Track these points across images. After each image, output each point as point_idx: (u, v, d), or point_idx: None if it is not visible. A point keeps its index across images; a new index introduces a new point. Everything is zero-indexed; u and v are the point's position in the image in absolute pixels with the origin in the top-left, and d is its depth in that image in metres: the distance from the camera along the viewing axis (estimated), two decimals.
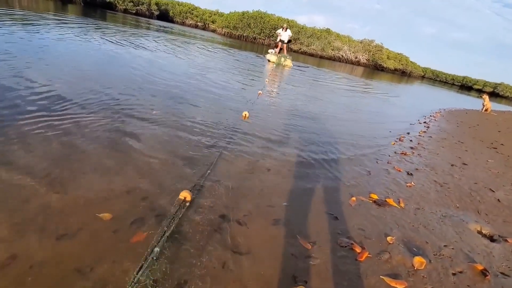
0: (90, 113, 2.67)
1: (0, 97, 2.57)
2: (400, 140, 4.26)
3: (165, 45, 9.72)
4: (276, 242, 1.54)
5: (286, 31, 14.34)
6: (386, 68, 39.05)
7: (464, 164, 3.60)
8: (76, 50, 5.55)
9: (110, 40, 7.66)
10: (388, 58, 39.79)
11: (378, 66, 38.82)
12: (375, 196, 2.27)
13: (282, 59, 13.50)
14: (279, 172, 2.36)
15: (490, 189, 2.90)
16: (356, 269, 1.46)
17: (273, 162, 2.52)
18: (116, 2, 31.12)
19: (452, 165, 3.49)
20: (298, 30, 34.55)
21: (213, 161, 2.25)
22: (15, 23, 7.15)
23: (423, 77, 50.64)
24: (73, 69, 4.11)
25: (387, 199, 2.26)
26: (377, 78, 22.82)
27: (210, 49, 12.40)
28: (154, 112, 3.09)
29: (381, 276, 1.43)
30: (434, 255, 1.69)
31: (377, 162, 3.11)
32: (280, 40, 14.31)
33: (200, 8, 40.22)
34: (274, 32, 31.89)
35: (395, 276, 1.45)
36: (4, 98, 2.56)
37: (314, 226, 1.74)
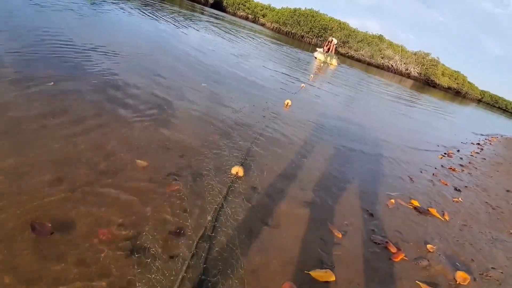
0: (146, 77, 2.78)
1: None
2: (448, 155, 3.89)
3: (221, 31, 9.91)
4: (305, 223, 1.47)
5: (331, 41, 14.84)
6: (438, 85, 36.27)
7: None
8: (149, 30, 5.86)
9: (169, 21, 7.99)
10: (442, 74, 36.88)
11: (429, 82, 36.18)
12: (416, 203, 2.09)
13: (329, 58, 13.67)
14: (316, 159, 2.26)
15: None
16: (389, 268, 1.34)
17: (310, 148, 2.42)
18: None
19: (508, 191, 3.11)
20: (349, 33, 33.28)
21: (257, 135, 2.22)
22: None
23: (479, 100, 46.29)
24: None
25: (430, 209, 2.06)
26: (428, 93, 21.34)
27: (260, 41, 12.43)
28: (202, 84, 3.14)
29: (416, 281, 1.30)
30: (480, 274, 1.50)
31: (421, 172, 2.87)
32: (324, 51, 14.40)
33: (252, 1, 40.45)
34: (324, 33, 31.17)
35: (433, 285, 1.30)
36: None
37: (346, 218, 1.64)
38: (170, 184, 1.39)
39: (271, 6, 40.40)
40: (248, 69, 5.05)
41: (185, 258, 1.02)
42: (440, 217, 2.00)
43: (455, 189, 2.67)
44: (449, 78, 37.80)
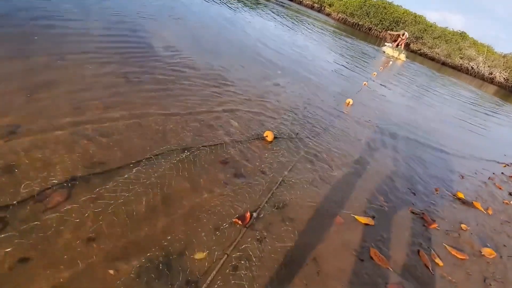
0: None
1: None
2: None
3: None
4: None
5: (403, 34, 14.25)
6: None
7: None
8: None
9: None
10: None
11: None
12: (461, 195, 2.27)
13: (397, 52, 13.33)
14: (374, 145, 2.57)
15: None
16: (420, 230, 1.65)
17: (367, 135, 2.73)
18: None
19: None
20: (424, 28, 30.29)
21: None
22: None
23: None
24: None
25: (474, 202, 2.23)
26: None
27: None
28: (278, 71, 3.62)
29: (444, 244, 1.59)
30: (508, 256, 1.70)
31: (476, 173, 2.93)
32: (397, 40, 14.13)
33: None
34: (395, 26, 28.98)
35: (458, 249, 1.59)
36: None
37: (392, 190, 1.96)
38: None
39: None
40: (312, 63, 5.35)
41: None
42: (483, 210, 2.16)
43: (510, 194, 2.71)
44: None
